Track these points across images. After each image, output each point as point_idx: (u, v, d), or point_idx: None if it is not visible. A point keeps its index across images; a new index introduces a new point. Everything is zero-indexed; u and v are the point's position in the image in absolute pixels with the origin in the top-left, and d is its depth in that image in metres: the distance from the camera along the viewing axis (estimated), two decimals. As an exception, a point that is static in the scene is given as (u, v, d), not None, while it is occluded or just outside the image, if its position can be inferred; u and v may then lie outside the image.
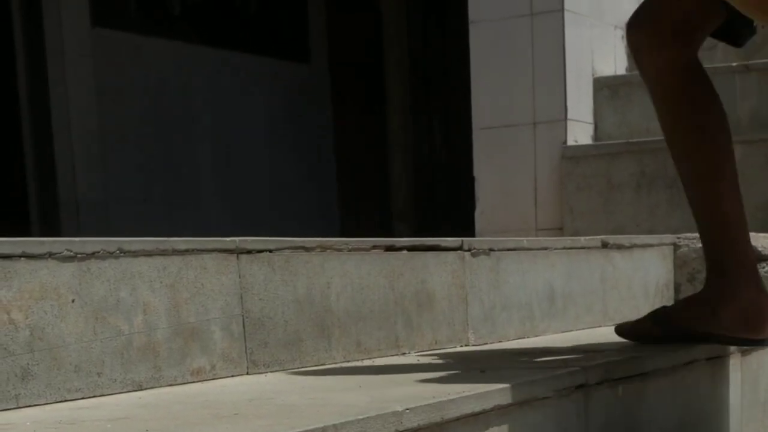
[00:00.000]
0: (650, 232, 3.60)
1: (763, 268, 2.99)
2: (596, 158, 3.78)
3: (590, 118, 3.94)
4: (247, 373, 1.78)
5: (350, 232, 5.47)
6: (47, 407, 1.47)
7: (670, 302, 3.01)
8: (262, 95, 5.61)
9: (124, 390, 1.59)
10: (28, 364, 1.46)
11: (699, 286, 3.00)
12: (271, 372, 1.81)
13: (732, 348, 2.17)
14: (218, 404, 1.45)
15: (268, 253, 1.82)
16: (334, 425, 1.24)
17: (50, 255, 1.49)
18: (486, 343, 2.23)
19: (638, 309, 2.85)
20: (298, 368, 1.86)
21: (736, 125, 3.81)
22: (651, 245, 2.95)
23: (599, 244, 2.66)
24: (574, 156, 3.76)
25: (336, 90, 6.07)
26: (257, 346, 1.80)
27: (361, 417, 1.28)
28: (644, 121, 3.95)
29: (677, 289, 3.03)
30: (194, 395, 1.56)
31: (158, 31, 5.11)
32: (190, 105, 5.23)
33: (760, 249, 2.98)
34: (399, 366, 1.82)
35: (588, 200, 3.76)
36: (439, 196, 6.14)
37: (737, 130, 3.75)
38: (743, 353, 2.21)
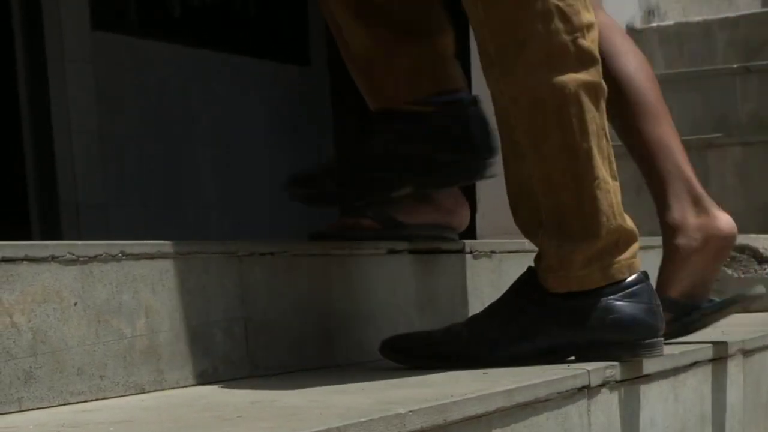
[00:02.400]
0: (651, 234, 3.60)
1: (765, 270, 2.99)
2: (597, 160, 3.78)
3: (591, 120, 3.93)
4: (250, 376, 1.78)
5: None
6: (50, 410, 1.47)
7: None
8: (261, 97, 5.61)
9: (127, 393, 1.59)
10: (30, 367, 1.46)
11: (700, 288, 3.00)
12: (273, 374, 1.81)
13: (734, 349, 2.17)
14: (221, 407, 1.45)
15: (270, 256, 1.82)
16: (337, 428, 1.24)
17: (53, 258, 1.49)
18: (488, 346, 2.23)
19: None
20: (300, 371, 1.86)
21: (737, 127, 3.82)
22: (652, 247, 2.95)
23: (600, 245, 2.65)
24: (575, 158, 3.75)
25: (335, 91, 6.07)
26: (259, 349, 1.80)
27: (363, 419, 1.28)
28: (645, 123, 3.95)
29: (678, 290, 3.02)
30: (197, 398, 1.56)
31: (158, 34, 5.11)
32: (189, 107, 5.23)
33: (761, 250, 2.99)
34: (401, 368, 1.82)
35: (589, 202, 3.75)
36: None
37: (738, 132, 3.77)
38: (745, 355, 2.21)
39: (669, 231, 2.14)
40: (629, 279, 1.80)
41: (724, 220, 2.13)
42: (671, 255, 2.15)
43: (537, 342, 1.79)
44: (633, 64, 2.16)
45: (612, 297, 1.78)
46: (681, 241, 2.13)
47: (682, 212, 2.13)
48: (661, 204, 2.16)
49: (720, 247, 2.14)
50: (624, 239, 1.80)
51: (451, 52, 2.04)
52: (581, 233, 1.77)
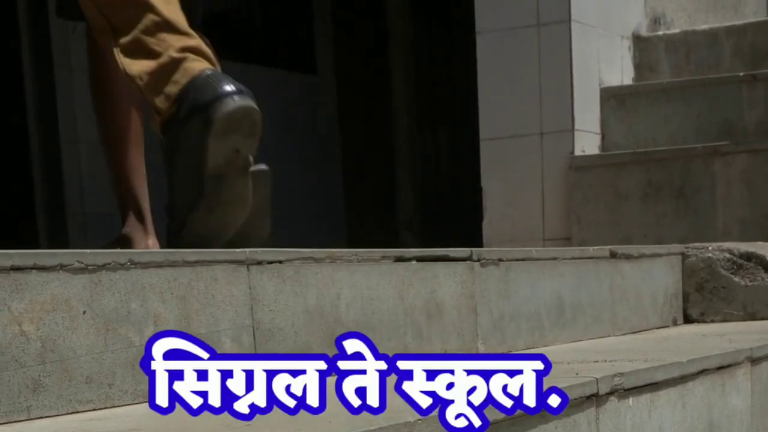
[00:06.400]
0: (657, 241, 3.61)
1: (772, 277, 2.98)
2: (603, 168, 3.79)
3: (597, 128, 3.94)
4: (258, 384, 1.78)
5: (357, 242, 5.46)
6: (59, 419, 1.47)
7: (678, 312, 3.02)
8: (268, 106, 5.61)
9: (135, 401, 1.59)
10: (39, 375, 1.47)
11: (708, 295, 3.00)
12: (281, 383, 1.81)
13: (742, 357, 2.17)
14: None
15: (278, 264, 1.82)
16: (346, 436, 1.25)
17: (61, 267, 1.50)
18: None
19: (647, 319, 2.85)
20: (308, 379, 1.86)
21: (743, 134, 3.83)
22: (659, 255, 2.95)
23: (608, 253, 2.66)
24: (581, 166, 3.77)
25: (342, 100, 6.08)
26: (267, 357, 1.80)
27: (372, 428, 1.28)
28: (651, 131, 3.96)
29: (686, 298, 3.02)
30: (205, 406, 1.55)
31: (165, 42, 5.11)
32: (197, 115, 5.23)
33: (768, 258, 2.98)
34: (409, 376, 1.82)
35: (595, 210, 3.76)
36: (446, 206, 6.14)
37: (744, 140, 3.78)
38: (753, 363, 2.21)
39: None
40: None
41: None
42: None
43: None
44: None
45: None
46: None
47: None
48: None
49: None
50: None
51: None
52: None
